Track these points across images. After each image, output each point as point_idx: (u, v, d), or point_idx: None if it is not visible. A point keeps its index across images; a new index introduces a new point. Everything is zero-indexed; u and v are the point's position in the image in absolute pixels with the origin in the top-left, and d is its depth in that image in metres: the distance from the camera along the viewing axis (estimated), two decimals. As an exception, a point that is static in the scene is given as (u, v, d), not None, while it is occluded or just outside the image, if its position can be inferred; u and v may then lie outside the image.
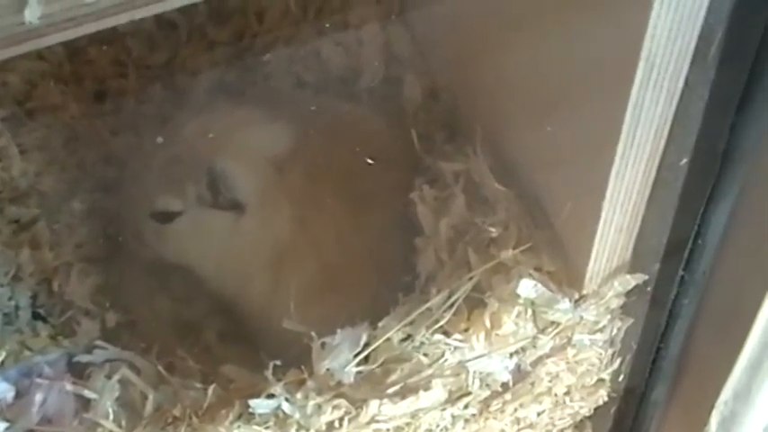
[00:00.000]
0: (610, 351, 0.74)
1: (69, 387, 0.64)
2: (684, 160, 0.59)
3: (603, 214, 0.61)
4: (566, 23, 0.58)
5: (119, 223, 0.83)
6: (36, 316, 0.77)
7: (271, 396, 0.64)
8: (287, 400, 0.64)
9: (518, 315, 0.67)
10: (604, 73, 0.55)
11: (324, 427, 0.65)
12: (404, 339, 0.66)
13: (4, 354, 0.72)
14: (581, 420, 0.82)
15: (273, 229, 0.78)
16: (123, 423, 0.63)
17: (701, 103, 0.56)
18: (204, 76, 0.90)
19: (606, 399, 0.80)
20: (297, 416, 0.64)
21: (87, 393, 0.64)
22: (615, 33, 0.52)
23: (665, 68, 0.52)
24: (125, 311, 0.81)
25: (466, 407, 0.70)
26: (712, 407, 0.75)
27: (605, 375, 0.77)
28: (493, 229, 0.69)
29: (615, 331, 0.72)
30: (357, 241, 0.79)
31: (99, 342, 0.70)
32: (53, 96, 0.87)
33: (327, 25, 0.91)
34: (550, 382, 0.73)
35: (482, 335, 0.66)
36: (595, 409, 0.81)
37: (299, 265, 0.79)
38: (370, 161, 0.75)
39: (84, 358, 0.69)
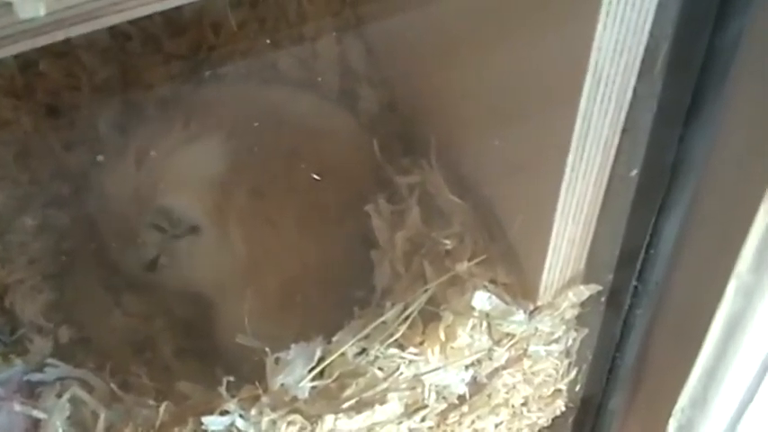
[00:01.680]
0: (566, 361, 0.74)
1: (18, 407, 0.63)
2: (635, 171, 0.60)
3: (555, 226, 0.62)
4: (515, 37, 0.59)
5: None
6: (-14, 334, 0.76)
7: (225, 413, 0.64)
8: (241, 416, 0.63)
9: (473, 327, 0.67)
10: (553, 86, 0.55)
11: (279, 444, 0.65)
12: (359, 353, 0.66)
13: (-47, 374, 0.71)
14: (539, 431, 0.82)
15: (232, 244, 0.78)
16: (74, 443, 0.63)
17: (649, 115, 0.56)
18: (157, 89, 0.89)
19: (564, 409, 0.80)
20: (251, 432, 0.63)
21: (37, 413, 0.63)
22: (562, 47, 0.52)
23: (612, 81, 0.52)
24: (79, 327, 0.80)
25: (423, 420, 0.70)
26: (669, 415, 0.75)
27: (562, 386, 0.77)
28: (447, 242, 0.69)
29: (571, 342, 0.72)
30: (315, 254, 0.79)
31: (50, 360, 0.69)
32: (4, 111, 0.85)
33: (283, 38, 0.91)
34: (507, 393, 0.73)
35: (437, 348, 0.66)
36: (553, 420, 0.81)
37: (259, 280, 0.78)
38: (316, 177, 0.74)
39: (35, 377, 0.68)
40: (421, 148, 0.78)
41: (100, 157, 0.76)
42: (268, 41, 0.92)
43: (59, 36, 0.38)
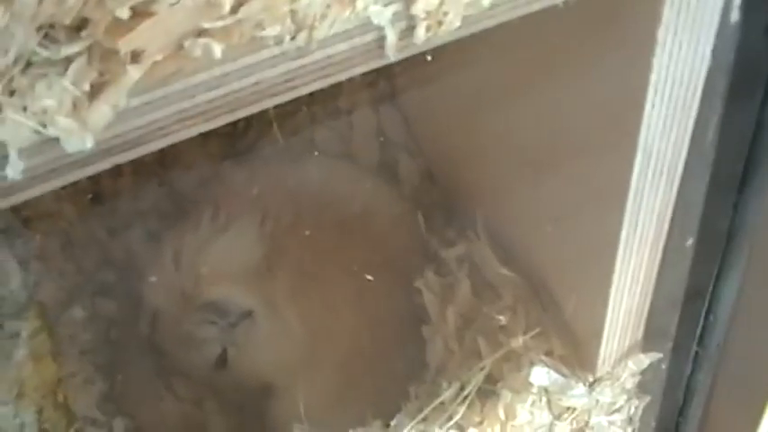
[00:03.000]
0: (629, 429, 0.72)
1: None
2: (690, 241, 0.59)
3: (612, 298, 0.60)
4: (562, 115, 0.58)
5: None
6: (42, 432, 0.76)
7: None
8: None
9: (532, 404, 0.65)
10: (604, 163, 0.54)
11: None
12: (418, 437, 0.65)
13: (11, 474, 0.71)
14: (606, 498, 0.80)
15: (286, 325, 0.77)
16: None
17: (701, 186, 0.55)
18: (196, 171, 0.89)
19: (630, 475, 0.78)
20: None
21: None
22: (611, 126, 0.52)
23: (662, 157, 0.51)
24: (132, 417, 0.80)
25: (489, 498, 0.68)
26: (738, 475, 0.73)
27: (626, 453, 0.75)
28: (501, 318, 0.67)
29: (632, 410, 0.70)
30: (368, 332, 0.78)
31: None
32: (48, 203, 0.86)
33: (319, 111, 0.91)
34: (571, 464, 0.72)
35: (497, 427, 0.65)
36: (619, 487, 0.79)
37: (314, 361, 0.77)
38: (369, 278, 0.74)
39: (90, 476, 0.67)
40: (464, 218, 0.77)
41: (153, 279, 0.76)
42: (305, 115, 0.92)
43: (106, 165, 0.38)
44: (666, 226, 0.56)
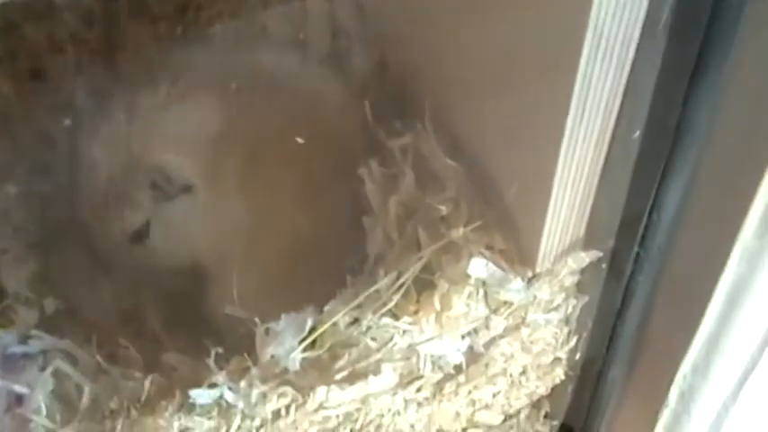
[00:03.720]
0: (565, 329, 0.72)
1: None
2: (637, 134, 0.57)
3: (554, 191, 0.59)
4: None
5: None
6: (-30, 307, 0.74)
7: (213, 385, 0.62)
8: (230, 389, 0.62)
9: (469, 296, 0.65)
10: (552, 46, 0.53)
11: (270, 416, 0.63)
12: (351, 323, 0.64)
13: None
14: (538, 400, 0.81)
15: (227, 206, 0.76)
16: (58, 418, 0.61)
17: (652, 75, 0.54)
18: (144, 52, 0.86)
19: (563, 377, 0.78)
20: (240, 405, 0.62)
21: (18, 388, 0.61)
22: (561, 3, 0.50)
23: (613, 39, 0.50)
24: (65, 298, 0.78)
25: (418, 390, 0.68)
26: (671, 382, 0.74)
27: (561, 354, 0.75)
28: (443, 207, 0.66)
29: (570, 309, 0.70)
30: (307, 220, 0.77)
31: (34, 332, 0.68)
32: (-16, 79, 0.83)
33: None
34: (505, 362, 0.71)
35: (432, 317, 0.64)
36: (552, 388, 0.80)
37: (250, 246, 0.76)
38: (299, 140, 0.72)
39: (18, 349, 0.66)
40: (414, 109, 0.75)
41: (67, 122, 0.73)
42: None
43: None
44: (614, 116, 0.55)
